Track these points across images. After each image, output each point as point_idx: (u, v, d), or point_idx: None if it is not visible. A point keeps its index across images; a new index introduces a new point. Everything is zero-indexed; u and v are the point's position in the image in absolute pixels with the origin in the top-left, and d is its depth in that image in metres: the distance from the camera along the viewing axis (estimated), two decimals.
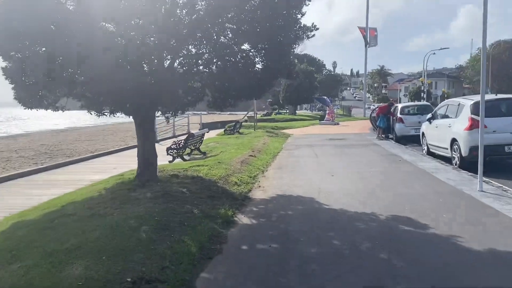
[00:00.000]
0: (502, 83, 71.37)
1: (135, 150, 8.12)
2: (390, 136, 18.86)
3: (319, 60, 68.12)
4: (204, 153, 13.02)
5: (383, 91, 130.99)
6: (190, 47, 6.98)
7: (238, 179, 8.49)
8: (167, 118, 8.31)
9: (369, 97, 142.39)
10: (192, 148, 13.07)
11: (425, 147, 12.78)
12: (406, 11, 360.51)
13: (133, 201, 6.08)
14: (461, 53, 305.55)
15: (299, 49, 73.29)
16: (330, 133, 22.50)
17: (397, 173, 9.52)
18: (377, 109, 19.68)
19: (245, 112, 32.04)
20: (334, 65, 71.62)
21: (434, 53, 50.68)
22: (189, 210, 5.86)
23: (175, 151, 12.12)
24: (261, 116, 51.21)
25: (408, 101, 76.10)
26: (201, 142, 13.80)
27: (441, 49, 47.37)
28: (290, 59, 7.87)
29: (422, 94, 46.05)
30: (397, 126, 17.12)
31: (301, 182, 8.60)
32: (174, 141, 12.80)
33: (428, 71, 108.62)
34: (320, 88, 59.76)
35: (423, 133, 13.02)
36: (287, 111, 61.16)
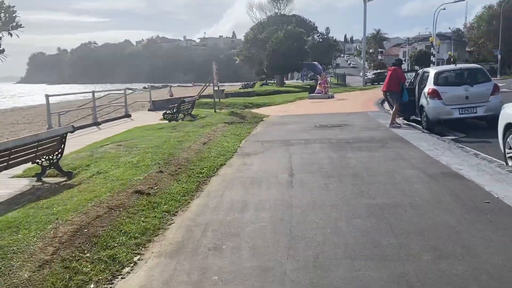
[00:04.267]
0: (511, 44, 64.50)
1: None
2: (412, 117, 12.30)
3: (310, 21, 60.35)
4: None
5: (379, 57, 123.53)
6: None
7: None
8: None
9: (364, 64, 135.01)
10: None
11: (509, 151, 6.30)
12: None
13: None
14: (457, 17, 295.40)
15: (287, 10, 65.46)
16: (322, 113, 15.86)
17: None
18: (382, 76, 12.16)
19: (193, 84, 25.17)
20: (327, 31, 63.80)
21: (444, 9, 43.46)
22: None
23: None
24: (240, 88, 44.40)
25: (409, 68, 68.93)
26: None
27: (455, 1, 40.11)
28: None
29: (431, 57, 39.14)
30: (431, 104, 10.49)
31: None
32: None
33: (424, 35, 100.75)
34: (312, 54, 52.53)
35: (508, 124, 6.42)
36: (275, 81, 54.14)
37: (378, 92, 28.85)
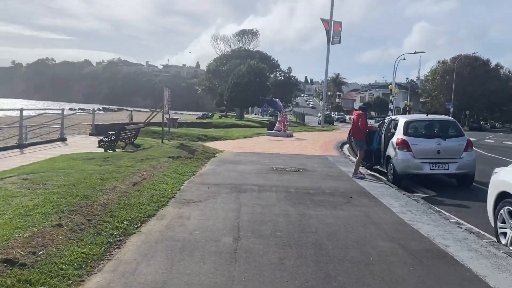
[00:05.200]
0: (463, 98, 67.92)
1: None
2: (374, 167, 11.30)
3: (273, 59, 60.59)
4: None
5: (337, 100, 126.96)
6: None
7: None
8: None
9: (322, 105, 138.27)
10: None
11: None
12: (363, 25, 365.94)
13: None
14: (411, 69, 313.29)
15: (252, 45, 65.71)
16: (280, 153, 14.64)
17: None
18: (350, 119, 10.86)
19: (151, 110, 23.54)
20: (289, 70, 64.26)
21: (404, 59, 44.74)
22: None
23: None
24: (197, 118, 43.00)
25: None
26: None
27: (415, 52, 41.53)
28: None
29: (390, 105, 39.71)
30: (400, 156, 9.46)
31: None
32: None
33: (380, 83, 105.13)
34: (273, 90, 52.27)
35: (503, 193, 5.29)
36: (235, 114, 53.15)
37: (337, 134, 28.34)
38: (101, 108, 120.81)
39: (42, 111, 17.81)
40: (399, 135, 9.73)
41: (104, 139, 11.90)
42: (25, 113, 14.05)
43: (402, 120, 10.12)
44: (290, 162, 12.12)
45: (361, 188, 8.54)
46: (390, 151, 9.92)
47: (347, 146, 21.25)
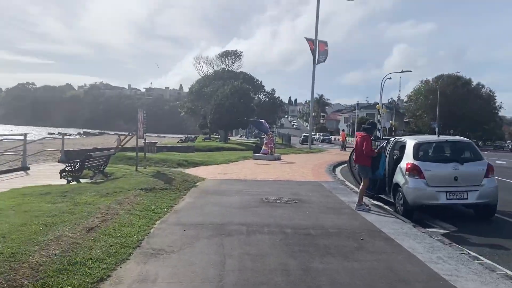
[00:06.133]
0: (447, 117, 67.97)
1: None
2: (379, 194, 9.93)
3: (257, 80, 59.72)
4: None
5: (321, 121, 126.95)
6: None
7: None
8: None
9: (307, 126, 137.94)
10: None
11: None
12: (344, 47, 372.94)
13: None
14: (391, 90, 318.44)
15: (235, 66, 64.82)
16: (269, 180, 13.19)
17: None
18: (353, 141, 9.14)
19: (125, 133, 21.85)
20: (273, 92, 63.02)
21: (390, 78, 44.38)
22: None
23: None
24: (178, 142, 41.38)
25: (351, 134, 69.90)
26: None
27: (402, 71, 40.93)
28: None
29: (377, 125, 38.86)
30: (411, 184, 8.09)
31: None
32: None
33: (362, 103, 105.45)
34: (258, 112, 51.15)
35: None
36: (219, 136, 51.66)
37: (326, 156, 27.08)
38: (81, 132, 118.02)
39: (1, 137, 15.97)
40: (408, 159, 8.40)
41: (66, 169, 10.26)
42: None
43: (410, 142, 8.81)
44: (282, 191, 10.68)
45: (370, 225, 7.12)
46: (399, 178, 8.57)
47: (339, 169, 19.96)
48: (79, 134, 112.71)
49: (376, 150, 9.13)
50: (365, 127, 8.95)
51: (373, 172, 8.76)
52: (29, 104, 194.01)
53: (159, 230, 6.29)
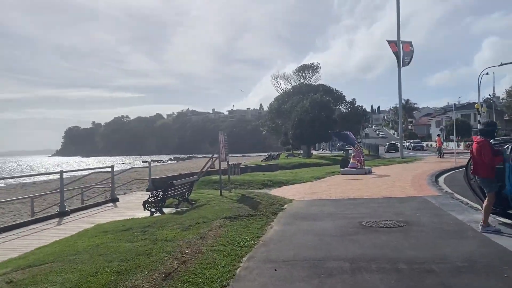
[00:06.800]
0: None
1: None
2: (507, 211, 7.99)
3: (337, 91, 57.73)
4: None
5: (410, 127, 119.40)
6: None
7: None
8: None
9: (394, 134, 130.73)
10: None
11: None
12: (428, 47, 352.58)
13: None
14: (484, 88, 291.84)
15: (313, 80, 63.60)
16: (363, 197, 11.77)
17: None
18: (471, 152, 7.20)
19: (209, 156, 21.39)
20: (354, 101, 59.95)
21: (487, 73, 39.80)
22: None
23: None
24: (262, 160, 40.89)
25: (444, 138, 64.07)
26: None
27: (501, 64, 36.42)
28: None
29: (479, 126, 34.85)
30: None
31: None
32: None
33: (451, 105, 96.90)
34: (341, 123, 49.16)
35: None
36: (302, 152, 50.50)
37: (423, 165, 24.58)
38: (172, 158, 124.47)
39: (89, 171, 16.51)
40: None
41: (149, 200, 9.93)
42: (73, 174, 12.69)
43: None
44: (382, 211, 9.25)
45: (510, 254, 5.51)
46: None
47: (442, 179, 17.67)
48: (170, 160, 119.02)
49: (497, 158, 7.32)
50: (482, 129, 7.28)
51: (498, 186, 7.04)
52: (125, 135, 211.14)
53: (245, 271, 5.37)
